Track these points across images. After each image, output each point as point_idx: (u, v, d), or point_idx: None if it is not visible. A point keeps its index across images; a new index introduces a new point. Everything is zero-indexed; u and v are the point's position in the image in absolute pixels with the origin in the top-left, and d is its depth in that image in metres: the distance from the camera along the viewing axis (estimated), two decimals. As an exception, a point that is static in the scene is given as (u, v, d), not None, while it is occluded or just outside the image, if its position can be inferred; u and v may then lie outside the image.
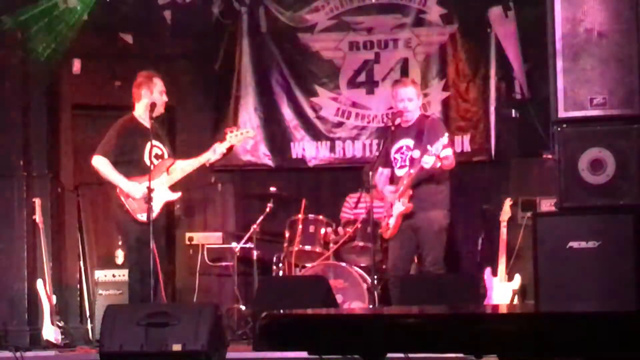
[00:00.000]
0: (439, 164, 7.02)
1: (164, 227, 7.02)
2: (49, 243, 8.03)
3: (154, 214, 7.02)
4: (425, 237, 7.21)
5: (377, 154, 7.90)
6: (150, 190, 6.86)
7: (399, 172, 7.33)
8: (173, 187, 7.27)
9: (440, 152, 7.00)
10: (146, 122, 7.20)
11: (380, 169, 7.39)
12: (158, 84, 7.32)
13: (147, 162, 7.10)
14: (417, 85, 7.69)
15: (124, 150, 7.21)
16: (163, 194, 7.21)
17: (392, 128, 7.40)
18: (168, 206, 7.43)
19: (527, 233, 7.25)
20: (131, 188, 7.11)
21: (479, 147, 8.77)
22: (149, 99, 7.22)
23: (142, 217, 7.05)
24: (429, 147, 7.00)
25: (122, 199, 7.14)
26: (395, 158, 7.37)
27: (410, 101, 7.33)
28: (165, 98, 7.34)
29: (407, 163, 7.28)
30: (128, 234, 7.26)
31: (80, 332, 8.24)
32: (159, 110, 7.30)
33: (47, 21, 7.67)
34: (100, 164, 7.20)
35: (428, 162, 7.02)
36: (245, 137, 7.63)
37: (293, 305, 5.91)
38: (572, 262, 5.42)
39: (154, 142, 7.10)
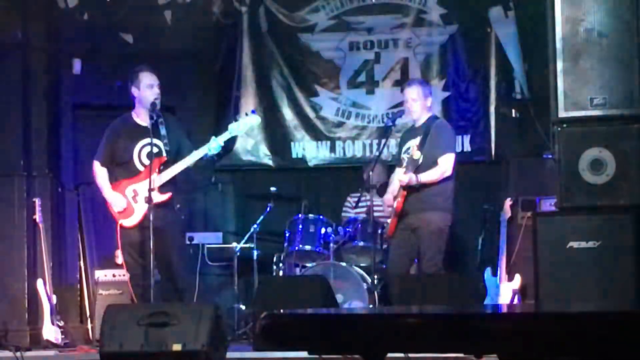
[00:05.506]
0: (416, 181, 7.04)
1: (160, 229, 6.79)
2: (49, 243, 8.02)
3: (139, 217, 6.89)
4: (422, 238, 7.17)
5: (377, 153, 7.88)
6: (150, 190, 6.78)
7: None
8: (162, 188, 6.88)
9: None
10: (143, 121, 7.02)
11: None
12: (144, 79, 7.01)
13: (137, 163, 6.96)
14: (424, 85, 7.46)
15: (113, 152, 7.05)
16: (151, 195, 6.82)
17: (393, 128, 7.38)
18: (163, 206, 6.93)
19: (527, 233, 7.24)
20: (113, 199, 6.97)
21: (478, 147, 8.78)
22: (137, 95, 7.04)
23: (126, 222, 6.94)
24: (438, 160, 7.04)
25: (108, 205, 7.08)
26: (403, 158, 7.36)
27: (414, 101, 7.27)
28: (155, 90, 6.98)
29: (408, 164, 7.25)
30: (118, 238, 7.15)
31: (80, 332, 8.23)
32: (147, 104, 6.94)
33: None
34: (95, 169, 7.10)
35: (403, 179, 7.05)
36: (249, 124, 7.12)
37: (293, 305, 5.91)
38: (572, 262, 5.44)
39: (149, 141, 6.83)
